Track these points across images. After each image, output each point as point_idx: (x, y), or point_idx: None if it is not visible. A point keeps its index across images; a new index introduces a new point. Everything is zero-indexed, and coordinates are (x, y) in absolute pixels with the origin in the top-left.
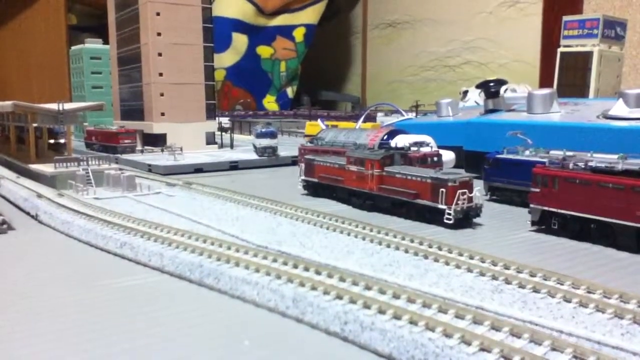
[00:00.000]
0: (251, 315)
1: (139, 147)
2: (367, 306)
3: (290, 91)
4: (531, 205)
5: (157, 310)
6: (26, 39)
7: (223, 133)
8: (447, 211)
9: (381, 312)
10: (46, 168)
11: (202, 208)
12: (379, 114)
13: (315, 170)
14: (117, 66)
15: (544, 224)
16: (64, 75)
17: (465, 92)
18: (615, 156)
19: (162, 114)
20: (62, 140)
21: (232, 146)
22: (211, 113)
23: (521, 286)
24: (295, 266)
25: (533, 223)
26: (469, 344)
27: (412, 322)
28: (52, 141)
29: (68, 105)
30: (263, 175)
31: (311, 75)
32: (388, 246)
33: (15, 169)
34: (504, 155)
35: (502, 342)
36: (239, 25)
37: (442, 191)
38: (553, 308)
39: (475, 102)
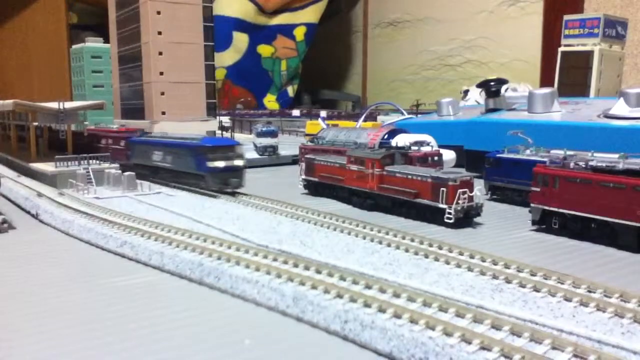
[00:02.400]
0: (251, 314)
1: None
2: (367, 305)
3: (290, 90)
4: (532, 205)
5: (158, 309)
6: (27, 37)
7: (223, 132)
8: (448, 210)
9: (381, 310)
10: (47, 167)
11: (202, 207)
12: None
13: (315, 169)
14: (117, 65)
15: (545, 223)
16: (64, 74)
17: (466, 91)
18: (616, 155)
19: (163, 113)
20: (239, 163)
21: None
22: (212, 112)
23: (522, 285)
24: (296, 265)
25: (534, 222)
26: (469, 342)
27: (413, 321)
28: (221, 165)
29: (69, 104)
30: (263, 174)
31: (312, 74)
32: (388, 245)
33: (16, 167)
34: (505, 155)
35: (503, 341)
36: (240, 24)
37: (443, 190)
38: (553, 307)
39: (476, 101)
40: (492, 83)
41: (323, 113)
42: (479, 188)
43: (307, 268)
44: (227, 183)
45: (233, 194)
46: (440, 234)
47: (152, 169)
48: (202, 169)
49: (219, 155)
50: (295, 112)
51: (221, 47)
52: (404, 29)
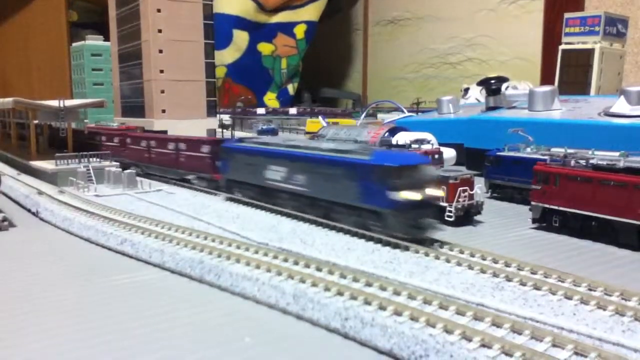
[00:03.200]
0: (252, 312)
1: None
2: (367, 302)
3: (291, 88)
4: (532, 203)
5: (158, 306)
6: (27, 35)
7: (224, 130)
8: (448, 208)
9: (382, 308)
10: (47, 165)
11: (202, 205)
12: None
13: None
14: (117, 63)
15: (545, 221)
16: (64, 72)
17: (467, 90)
18: (617, 153)
19: (163, 111)
20: (436, 192)
21: None
22: (212, 110)
23: (522, 283)
24: (296, 263)
25: (534, 220)
26: (469, 340)
27: (413, 319)
28: (415, 197)
29: (69, 102)
30: None
31: (312, 72)
32: (389, 243)
33: (17, 165)
34: (505, 153)
35: (503, 338)
36: (240, 22)
37: (443, 188)
38: (554, 305)
39: (477, 99)
40: (492, 81)
41: (292, 110)
42: (480, 186)
43: (307, 266)
44: (418, 226)
45: (431, 243)
46: (441, 232)
47: (264, 191)
48: (379, 202)
49: (409, 181)
50: (261, 111)
51: (221, 45)
52: (405, 27)
